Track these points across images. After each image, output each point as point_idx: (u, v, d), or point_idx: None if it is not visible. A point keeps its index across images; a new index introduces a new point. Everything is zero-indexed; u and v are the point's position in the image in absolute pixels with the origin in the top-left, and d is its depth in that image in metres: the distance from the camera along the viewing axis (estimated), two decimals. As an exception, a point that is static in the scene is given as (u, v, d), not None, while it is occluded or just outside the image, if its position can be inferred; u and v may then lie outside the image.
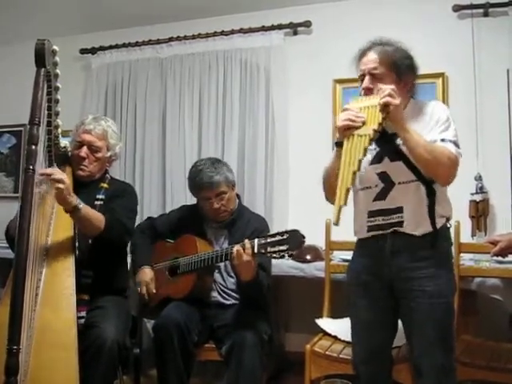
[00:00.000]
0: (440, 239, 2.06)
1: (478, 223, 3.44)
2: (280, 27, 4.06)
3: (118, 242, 2.65)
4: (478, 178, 3.45)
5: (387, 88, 1.96)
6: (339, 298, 3.08)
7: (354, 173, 1.90)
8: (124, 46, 4.48)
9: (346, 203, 1.86)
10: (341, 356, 2.55)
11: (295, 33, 4.10)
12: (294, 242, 2.41)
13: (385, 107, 1.95)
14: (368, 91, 2.09)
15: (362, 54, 2.16)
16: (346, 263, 3.10)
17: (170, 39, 4.33)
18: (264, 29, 4.09)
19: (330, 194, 2.15)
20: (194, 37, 4.26)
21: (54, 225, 2.43)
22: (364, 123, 1.97)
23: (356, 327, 2.23)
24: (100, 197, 2.68)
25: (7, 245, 2.79)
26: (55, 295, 2.19)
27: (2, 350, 1.73)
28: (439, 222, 2.06)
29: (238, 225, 2.95)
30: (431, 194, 2.04)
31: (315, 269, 3.21)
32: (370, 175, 2.11)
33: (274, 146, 4.03)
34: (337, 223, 1.85)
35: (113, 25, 4.51)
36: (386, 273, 2.08)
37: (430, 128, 2.05)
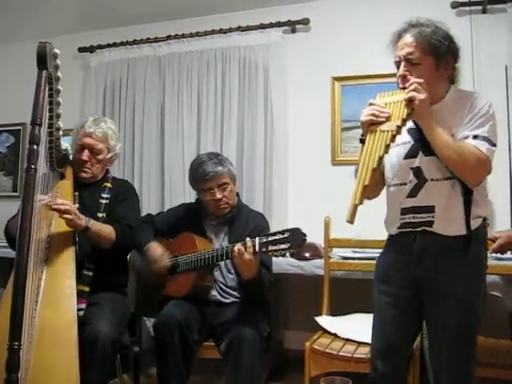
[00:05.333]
0: (473, 241, 1.94)
1: (477, 220, 3.43)
2: (278, 25, 4.06)
3: (131, 247, 2.87)
4: (477, 175, 3.44)
5: (414, 82, 1.88)
6: (338, 295, 3.09)
7: (374, 170, 1.83)
8: (122, 44, 4.48)
9: (362, 202, 1.79)
10: (340, 353, 2.54)
11: (293, 30, 4.10)
12: (295, 240, 2.40)
13: (410, 102, 1.88)
14: (404, 79, 1.96)
15: (398, 37, 2.02)
16: (345, 260, 3.13)
17: (168, 37, 4.33)
18: (262, 26, 4.08)
19: None
20: (192, 35, 4.26)
21: (54, 224, 2.46)
22: (388, 119, 1.90)
23: (376, 321, 2.16)
24: (105, 195, 2.80)
25: (7, 244, 2.80)
26: (56, 294, 2.21)
27: (3, 353, 1.73)
28: (475, 223, 1.94)
29: (238, 222, 2.95)
30: (467, 193, 1.93)
31: (314, 266, 3.21)
32: (404, 170, 2.01)
33: (273, 144, 4.03)
34: (351, 222, 1.79)
35: (111, 23, 4.51)
36: (413, 272, 2.00)
37: (466, 122, 1.93)
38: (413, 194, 1.99)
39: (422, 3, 3.66)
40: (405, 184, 2.01)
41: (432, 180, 1.96)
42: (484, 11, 3.62)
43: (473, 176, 1.90)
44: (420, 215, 1.97)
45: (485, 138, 1.89)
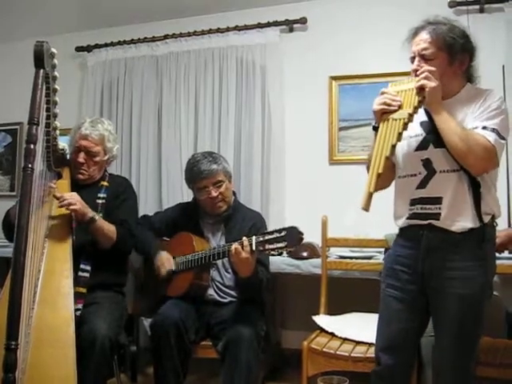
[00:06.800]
0: (481, 239, 1.96)
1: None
2: (275, 24, 4.05)
3: (128, 251, 2.86)
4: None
5: (425, 70, 1.92)
6: (336, 294, 3.10)
7: (387, 158, 1.86)
8: (119, 43, 4.47)
9: (376, 190, 1.82)
10: (338, 353, 2.54)
11: (291, 30, 4.09)
12: (292, 238, 2.40)
13: (421, 90, 1.91)
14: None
15: (414, 33, 2.07)
16: (343, 260, 3.13)
17: (166, 37, 4.32)
18: (259, 26, 4.08)
19: None
20: (189, 34, 4.26)
21: (51, 224, 2.47)
22: (400, 107, 1.93)
23: (383, 314, 2.17)
24: (101, 195, 2.77)
25: (4, 243, 2.80)
26: (53, 294, 2.20)
27: (0, 353, 1.73)
28: (484, 220, 1.96)
29: (235, 221, 2.95)
30: (475, 187, 1.94)
31: (311, 266, 3.21)
32: (414, 162, 2.04)
33: (271, 143, 4.02)
34: (366, 209, 1.82)
35: (108, 22, 4.50)
36: (420, 268, 2.02)
37: (477, 114, 1.96)
38: (422, 185, 2.01)
39: (419, 2, 3.66)
40: (415, 175, 2.04)
41: (441, 172, 1.98)
42: (481, 10, 3.63)
43: (477, 165, 1.91)
44: (428, 206, 2.00)
45: (494, 130, 1.90)
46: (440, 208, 1.97)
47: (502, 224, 3.24)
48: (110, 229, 2.63)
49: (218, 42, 4.20)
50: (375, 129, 2.01)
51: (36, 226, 2.24)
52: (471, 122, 1.95)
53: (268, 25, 4.06)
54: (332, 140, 3.94)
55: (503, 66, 3.52)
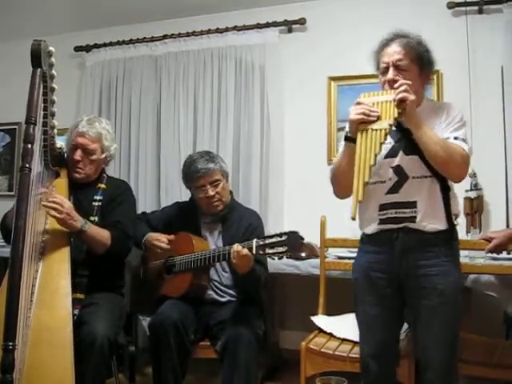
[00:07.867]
0: (452, 237, 2.10)
1: (473, 220, 3.44)
2: (275, 25, 4.06)
3: (125, 255, 2.79)
4: (473, 175, 3.44)
5: (403, 83, 1.98)
6: (334, 295, 3.09)
7: (371, 167, 1.91)
8: (118, 43, 4.48)
9: (363, 198, 1.87)
10: (336, 353, 2.55)
11: (290, 30, 4.10)
12: (292, 243, 2.39)
13: (401, 103, 1.96)
14: (393, 83, 2.06)
15: (385, 45, 2.15)
16: (341, 260, 3.13)
17: (165, 37, 4.33)
18: (259, 26, 4.08)
19: (338, 190, 2.19)
20: (188, 34, 4.26)
21: (49, 224, 2.45)
22: (379, 118, 1.98)
23: (363, 323, 2.21)
24: (98, 198, 2.73)
25: (2, 243, 2.78)
26: (50, 294, 2.20)
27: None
28: (452, 220, 2.08)
29: (232, 220, 2.95)
30: (446, 191, 2.06)
31: (310, 266, 3.21)
32: (384, 169, 2.09)
33: (269, 143, 4.03)
34: (354, 218, 1.89)
35: (107, 22, 4.50)
36: (396, 270, 2.07)
37: (445, 126, 2.07)
38: (394, 190, 2.08)
39: (418, 3, 3.67)
40: (384, 182, 2.10)
41: (414, 178, 2.06)
42: (480, 11, 3.62)
43: (456, 172, 2.03)
44: (403, 210, 2.06)
45: (464, 140, 2.05)
46: (416, 211, 2.05)
47: (501, 224, 3.27)
48: (103, 235, 2.57)
49: (217, 42, 4.20)
50: (348, 139, 2.08)
51: (34, 225, 2.23)
52: (440, 133, 2.04)
53: (267, 25, 4.07)
54: (330, 140, 3.94)
55: (502, 67, 3.52)
